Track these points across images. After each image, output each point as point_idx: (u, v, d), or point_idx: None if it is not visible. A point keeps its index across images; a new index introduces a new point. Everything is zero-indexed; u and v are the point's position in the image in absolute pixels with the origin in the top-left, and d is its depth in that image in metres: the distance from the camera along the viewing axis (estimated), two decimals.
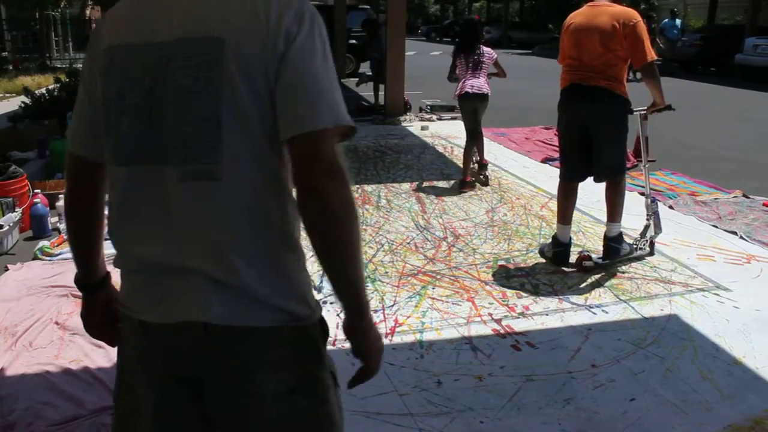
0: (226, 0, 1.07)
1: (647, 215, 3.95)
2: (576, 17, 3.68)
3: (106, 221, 1.21)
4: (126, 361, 1.22)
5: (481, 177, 5.76)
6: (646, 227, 3.93)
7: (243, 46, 1.04)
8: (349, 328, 1.16)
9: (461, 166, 6.39)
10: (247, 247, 1.08)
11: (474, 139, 5.79)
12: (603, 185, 3.84)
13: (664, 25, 16.79)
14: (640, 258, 3.89)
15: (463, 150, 5.88)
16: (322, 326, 1.19)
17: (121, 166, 1.11)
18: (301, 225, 1.11)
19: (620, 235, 3.83)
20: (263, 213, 1.09)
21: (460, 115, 6.42)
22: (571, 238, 3.90)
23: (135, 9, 1.13)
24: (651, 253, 3.95)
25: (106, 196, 1.21)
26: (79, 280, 1.31)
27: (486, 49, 5.70)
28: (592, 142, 3.69)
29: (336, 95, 1.08)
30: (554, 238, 3.86)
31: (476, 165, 5.91)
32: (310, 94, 1.05)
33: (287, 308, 1.11)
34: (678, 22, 17.25)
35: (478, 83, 5.68)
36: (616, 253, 3.79)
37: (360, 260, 1.12)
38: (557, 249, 3.80)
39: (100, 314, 1.31)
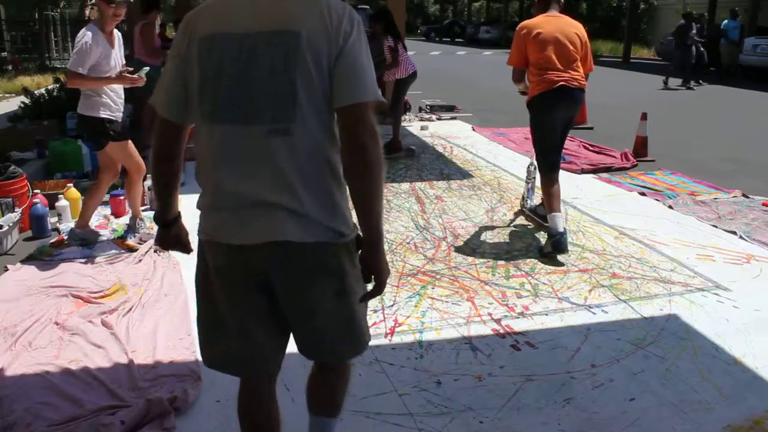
0: (299, 4, 1.47)
1: (527, 179, 4.69)
2: (541, 26, 3.98)
3: (192, 170, 1.60)
4: (206, 276, 1.60)
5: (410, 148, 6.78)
6: (528, 189, 4.69)
7: (313, 38, 1.44)
8: (369, 253, 1.54)
9: (460, 165, 6.40)
10: (310, 184, 1.47)
11: (401, 112, 6.86)
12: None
13: (726, 26, 15.31)
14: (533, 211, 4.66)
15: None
16: (357, 242, 1.57)
17: (217, 123, 1.47)
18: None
19: None
20: (321, 159, 1.49)
21: (459, 114, 6.57)
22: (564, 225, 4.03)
23: (229, 7, 1.50)
24: (533, 208, 4.67)
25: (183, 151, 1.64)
26: (158, 218, 1.72)
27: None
28: (564, 133, 4.15)
29: (374, 78, 1.51)
30: (550, 229, 3.94)
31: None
32: (359, 76, 1.46)
33: (336, 228, 1.52)
34: (738, 22, 15.68)
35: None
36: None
37: (382, 200, 1.52)
38: (555, 238, 3.88)
39: (173, 243, 1.76)
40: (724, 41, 15.33)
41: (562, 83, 3.90)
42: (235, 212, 1.49)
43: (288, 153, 1.44)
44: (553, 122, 4.03)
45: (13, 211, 4.32)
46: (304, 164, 1.46)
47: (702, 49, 14.12)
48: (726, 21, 15.79)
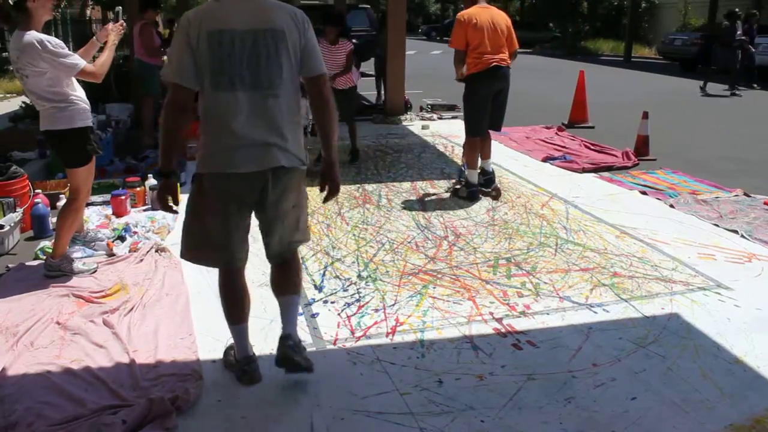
0: (277, 11, 2.25)
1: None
2: (477, 16, 4.91)
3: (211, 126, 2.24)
4: (201, 201, 2.32)
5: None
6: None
7: (290, 33, 2.25)
8: (330, 168, 2.41)
9: (461, 164, 6.40)
10: (288, 128, 2.30)
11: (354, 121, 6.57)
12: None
13: None
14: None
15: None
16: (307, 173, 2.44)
17: (231, 91, 2.19)
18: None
19: None
20: (294, 112, 2.32)
21: (461, 114, 6.49)
22: (479, 179, 5.21)
23: (228, 11, 2.20)
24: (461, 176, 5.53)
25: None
26: (162, 170, 2.28)
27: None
28: (498, 104, 5.09)
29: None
30: (468, 181, 5.18)
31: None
32: (319, 57, 2.36)
33: (301, 158, 2.35)
34: None
35: None
36: (494, 179, 5.31)
37: (337, 133, 2.42)
38: (472, 189, 5.16)
39: (171, 194, 2.30)
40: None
41: (494, 63, 4.94)
42: (246, 149, 2.22)
43: (277, 109, 2.25)
44: (487, 93, 5.01)
45: (15, 211, 4.33)
46: (285, 116, 2.27)
47: (750, 50, 13.20)
48: None
